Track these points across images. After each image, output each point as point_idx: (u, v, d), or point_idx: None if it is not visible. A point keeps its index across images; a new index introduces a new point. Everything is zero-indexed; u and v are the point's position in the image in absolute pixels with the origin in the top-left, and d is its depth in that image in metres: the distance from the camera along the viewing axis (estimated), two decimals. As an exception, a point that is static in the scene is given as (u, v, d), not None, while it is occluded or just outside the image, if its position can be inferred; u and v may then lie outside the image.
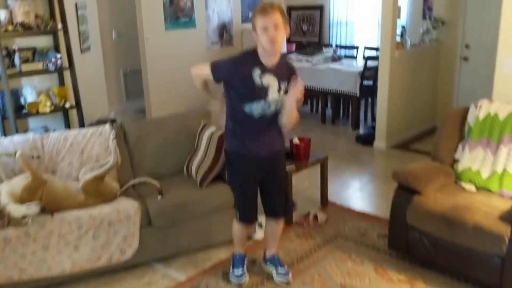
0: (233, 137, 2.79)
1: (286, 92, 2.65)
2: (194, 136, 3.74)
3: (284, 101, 2.66)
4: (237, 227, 3.03)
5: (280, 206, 3.00)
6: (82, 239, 3.04)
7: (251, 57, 2.62)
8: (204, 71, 2.73)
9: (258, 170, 2.84)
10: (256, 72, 2.59)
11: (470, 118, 3.43)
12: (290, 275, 3.11)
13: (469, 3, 5.89)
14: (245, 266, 3.13)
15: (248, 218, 2.98)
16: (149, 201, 3.30)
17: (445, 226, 2.93)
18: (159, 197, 3.31)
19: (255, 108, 2.65)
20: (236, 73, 2.61)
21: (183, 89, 6.59)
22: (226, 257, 3.40)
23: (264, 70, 2.60)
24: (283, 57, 2.72)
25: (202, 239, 3.44)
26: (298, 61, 7.00)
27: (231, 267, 3.14)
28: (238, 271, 3.10)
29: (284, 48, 7.54)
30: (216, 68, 2.67)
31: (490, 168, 3.22)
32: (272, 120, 2.72)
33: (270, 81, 2.61)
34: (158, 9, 6.63)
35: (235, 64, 2.64)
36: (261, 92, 2.62)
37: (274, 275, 3.13)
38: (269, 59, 2.60)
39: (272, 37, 2.49)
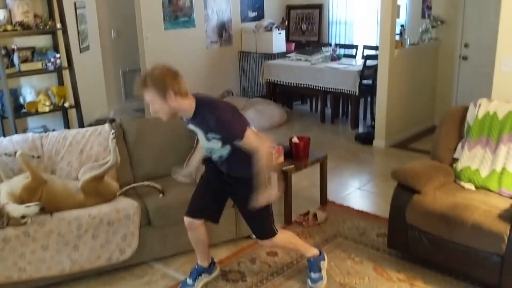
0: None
1: (220, 140, 2.59)
2: (193, 136, 3.73)
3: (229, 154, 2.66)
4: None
5: (254, 231, 2.96)
6: (82, 239, 3.03)
7: None
8: None
9: (216, 178, 2.81)
10: (184, 121, 2.71)
11: (469, 117, 3.43)
12: (320, 283, 3.01)
13: (468, 2, 5.89)
14: (198, 281, 3.03)
15: (190, 211, 2.90)
16: (149, 200, 3.30)
17: (444, 225, 2.93)
18: (160, 195, 3.32)
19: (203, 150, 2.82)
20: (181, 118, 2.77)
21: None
22: (226, 256, 3.41)
23: (187, 120, 2.67)
24: (202, 110, 2.57)
25: (201, 238, 3.44)
26: (298, 60, 7.02)
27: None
28: (189, 281, 3.03)
29: (283, 47, 7.59)
30: None
31: (489, 167, 3.22)
32: (224, 162, 2.73)
33: (195, 128, 2.67)
34: (157, 8, 6.63)
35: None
36: (196, 137, 2.77)
37: (308, 277, 3.07)
38: (182, 114, 2.64)
39: (152, 110, 2.57)
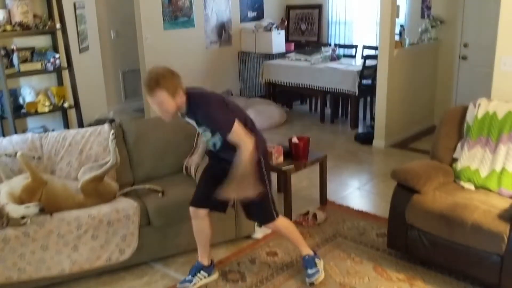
0: None
1: (212, 131, 2.76)
2: (193, 135, 3.74)
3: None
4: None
5: (256, 217, 3.08)
6: (81, 239, 3.03)
7: None
8: None
9: (220, 169, 2.86)
10: (179, 116, 2.80)
11: (469, 117, 3.43)
12: (317, 276, 3.05)
13: (467, 2, 5.89)
14: (197, 278, 3.04)
15: (193, 200, 3.00)
16: (148, 200, 3.30)
17: (444, 225, 2.93)
18: (160, 194, 3.33)
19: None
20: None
21: (182, 89, 6.57)
22: (225, 256, 3.40)
23: (182, 114, 2.77)
24: (194, 104, 2.69)
25: (201, 238, 3.44)
26: (297, 61, 7.01)
27: None
28: (188, 277, 3.06)
29: (282, 48, 7.59)
30: None
31: (489, 167, 3.23)
32: (219, 152, 2.85)
33: (189, 120, 2.82)
34: (156, 8, 6.63)
35: None
36: (192, 127, 2.87)
37: (305, 274, 3.10)
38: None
39: (159, 112, 2.67)
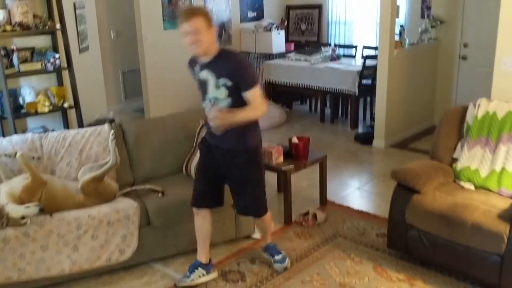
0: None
1: (228, 89, 2.72)
2: (192, 136, 3.74)
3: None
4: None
5: (242, 206, 3.05)
6: (81, 239, 3.03)
7: (194, 57, 2.86)
8: None
9: (210, 159, 2.95)
10: (197, 68, 2.84)
11: (469, 117, 3.43)
12: (286, 261, 3.23)
13: (467, 2, 5.89)
14: (194, 274, 3.07)
15: (193, 200, 3.05)
16: (148, 200, 3.30)
17: (444, 225, 2.93)
18: (160, 194, 3.33)
19: (203, 105, 2.87)
20: (191, 71, 2.93)
21: (182, 89, 6.57)
22: (225, 256, 3.41)
23: (202, 66, 2.79)
24: (225, 54, 2.78)
25: (201, 238, 3.44)
26: (297, 61, 7.01)
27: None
28: (187, 273, 3.09)
29: (282, 48, 7.59)
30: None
31: (489, 167, 3.23)
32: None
33: (207, 75, 2.77)
34: (156, 8, 6.62)
35: (188, 64, 2.94)
36: (204, 87, 2.81)
37: (272, 264, 3.23)
38: (203, 57, 2.77)
39: (193, 41, 2.66)
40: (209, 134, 2.92)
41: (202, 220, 3.07)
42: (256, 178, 2.97)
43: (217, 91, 2.74)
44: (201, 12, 2.67)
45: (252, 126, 2.86)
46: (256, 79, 2.76)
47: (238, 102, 2.72)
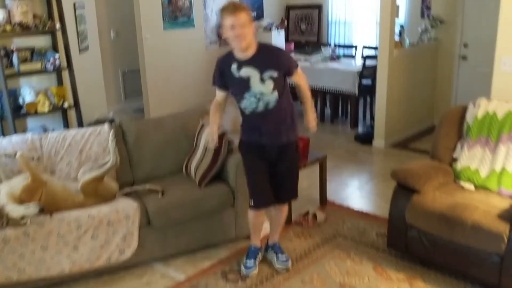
0: (242, 129, 3.08)
1: (274, 80, 2.81)
2: (192, 136, 3.74)
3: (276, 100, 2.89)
4: (250, 215, 3.17)
5: (285, 194, 3.13)
6: (81, 239, 3.03)
7: (228, 56, 2.91)
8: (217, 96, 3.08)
9: (263, 159, 3.01)
10: (234, 67, 2.84)
11: (469, 117, 3.43)
12: (289, 262, 3.25)
13: (467, 1, 5.89)
14: (257, 260, 3.25)
15: (258, 202, 3.07)
16: (148, 201, 3.30)
17: (444, 225, 2.93)
18: (160, 194, 3.33)
19: (245, 104, 2.90)
20: (223, 73, 2.92)
21: (182, 89, 6.57)
22: (226, 256, 3.40)
23: (241, 63, 2.83)
24: (265, 47, 2.90)
25: (201, 238, 3.44)
26: (297, 60, 6.99)
27: (245, 256, 3.25)
28: (250, 263, 3.20)
29: (282, 47, 7.58)
30: (213, 78, 3.03)
31: (489, 167, 3.23)
32: (268, 115, 2.90)
33: (249, 72, 2.81)
34: (156, 8, 6.63)
35: (218, 67, 2.96)
36: (244, 84, 2.83)
37: (275, 262, 3.25)
38: (243, 53, 2.81)
39: (239, 34, 2.72)
40: (259, 133, 2.96)
41: (262, 217, 3.19)
42: (297, 164, 3.18)
43: (263, 85, 2.81)
44: (246, 8, 2.78)
45: (295, 118, 3.01)
46: (296, 61, 3.01)
47: (283, 95, 2.88)
